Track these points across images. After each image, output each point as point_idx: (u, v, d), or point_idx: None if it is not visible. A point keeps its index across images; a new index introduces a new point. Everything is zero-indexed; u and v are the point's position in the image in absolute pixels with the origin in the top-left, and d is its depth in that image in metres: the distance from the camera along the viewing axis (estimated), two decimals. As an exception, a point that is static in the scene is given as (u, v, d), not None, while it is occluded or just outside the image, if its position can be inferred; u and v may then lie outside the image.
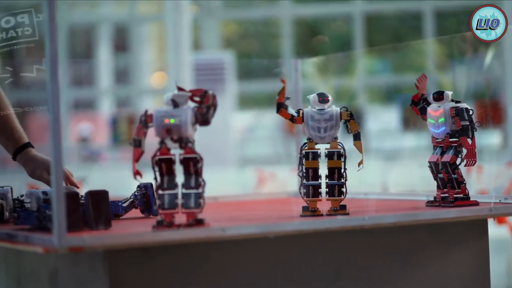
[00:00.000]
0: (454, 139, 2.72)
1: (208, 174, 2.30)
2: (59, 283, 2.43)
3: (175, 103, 2.30)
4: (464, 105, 2.72)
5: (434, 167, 2.76)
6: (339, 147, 2.60)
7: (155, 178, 2.29)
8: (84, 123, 14.02)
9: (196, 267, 2.35)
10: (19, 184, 3.26)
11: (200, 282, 2.35)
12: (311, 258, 2.50)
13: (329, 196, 2.59)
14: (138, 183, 2.74)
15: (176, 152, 2.29)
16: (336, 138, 2.61)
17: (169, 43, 11.17)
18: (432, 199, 2.80)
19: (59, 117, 2.10)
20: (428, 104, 2.78)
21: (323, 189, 2.59)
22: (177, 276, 2.33)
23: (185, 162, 2.28)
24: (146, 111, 2.32)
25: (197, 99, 2.31)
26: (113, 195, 2.50)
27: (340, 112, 2.62)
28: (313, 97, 2.65)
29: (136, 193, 2.79)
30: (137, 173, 2.30)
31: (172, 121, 2.28)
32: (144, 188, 2.78)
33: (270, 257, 2.45)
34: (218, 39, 14.27)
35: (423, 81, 2.79)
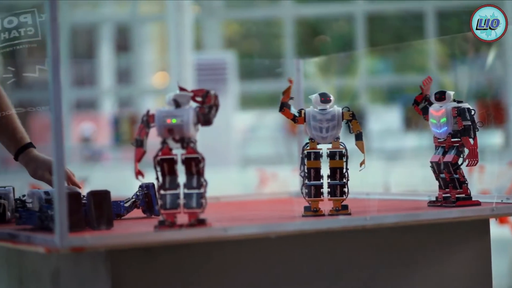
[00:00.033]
0: (456, 139, 2.72)
1: (210, 174, 2.30)
2: (61, 283, 2.43)
3: (177, 103, 2.30)
4: (466, 105, 2.72)
5: (436, 167, 2.76)
6: (341, 147, 2.60)
7: (157, 178, 2.29)
8: (86, 123, 14.01)
9: (198, 267, 2.35)
10: (21, 184, 3.26)
11: (202, 282, 2.35)
12: (313, 258, 2.50)
13: (331, 196, 2.59)
14: (140, 183, 2.74)
15: (178, 152, 2.29)
16: (338, 138, 2.61)
17: (171, 43, 11.17)
18: (434, 199, 2.80)
19: (61, 117, 2.10)
20: (430, 104, 2.78)
21: (325, 189, 2.59)
22: (179, 276, 2.33)
23: (187, 162, 2.28)
24: (148, 111, 2.32)
25: (199, 99, 2.31)
26: (115, 195, 2.50)
27: (342, 112, 2.62)
28: (315, 97, 2.65)
29: (138, 193, 2.79)
30: (139, 173, 2.30)
31: (174, 121, 2.28)
32: (146, 188, 2.78)
33: (272, 257, 2.45)
34: (220, 39, 14.26)
35: (429, 83, 2.80)
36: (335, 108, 2.63)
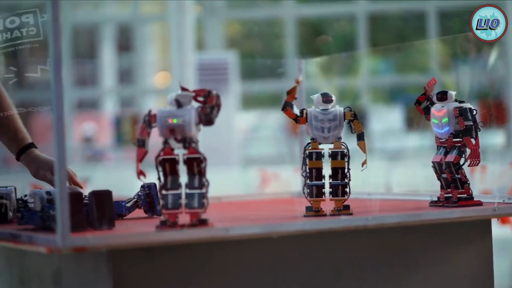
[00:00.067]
0: (457, 139, 2.71)
1: (211, 174, 2.30)
2: (62, 283, 2.43)
3: (178, 103, 2.30)
4: (467, 105, 2.72)
5: (438, 167, 2.76)
6: (342, 147, 2.60)
7: (159, 178, 2.29)
8: (87, 123, 14.02)
9: (199, 267, 2.35)
10: (22, 184, 3.26)
11: (203, 282, 2.35)
12: (314, 258, 2.50)
13: (332, 196, 2.59)
14: (141, 183, 2.74)
15: (180, 152, 2.29)
16: (339, 138, 2.61)
17: (173, 43, 11.17)
18: (435, 199, 2.80)
19: (62, 117, 2.10)
20: (432, 104, 2.78)
21: (327, 189, 2.59)
22: (181, 276, 2.33)
23: (188, 162, 2.28)
24: (149, 111, 2.32)
25: (200, 99, 2.31)
26: (116, 195, 2.50)
27: (344, 112, 2.62)
28: (316, 97, 2.65)
29: (139, 193, 2.79)
30: (140, 173, 2.31)
31: (175, 121, 2.28)
32: (148, 188, 2.78)
33: (274, 257, 2.45)
34: (221, 39, 14.26)
35: (433, 85, 2.80)
36: (337, 108, 2.63)
